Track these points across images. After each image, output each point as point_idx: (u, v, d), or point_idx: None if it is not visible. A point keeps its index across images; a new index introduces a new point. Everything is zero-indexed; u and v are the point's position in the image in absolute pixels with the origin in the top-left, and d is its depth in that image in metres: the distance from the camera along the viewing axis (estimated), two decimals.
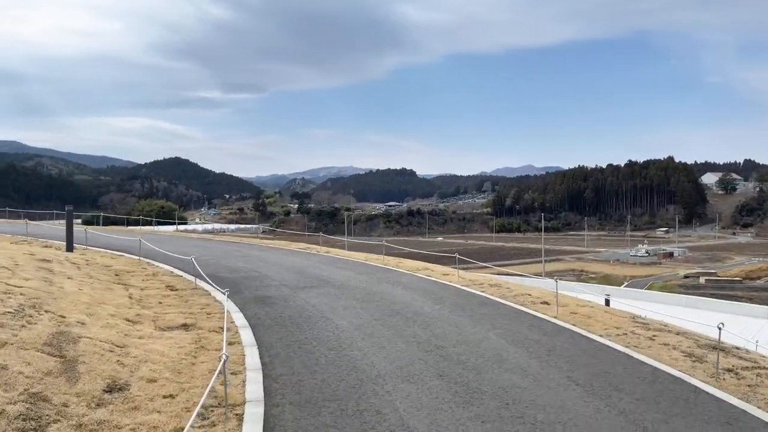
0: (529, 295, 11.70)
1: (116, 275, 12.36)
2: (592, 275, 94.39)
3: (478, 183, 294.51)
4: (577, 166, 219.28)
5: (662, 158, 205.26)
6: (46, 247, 16.48)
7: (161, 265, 14.54)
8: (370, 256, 17.89)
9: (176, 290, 11.37)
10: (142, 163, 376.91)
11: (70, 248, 15.50)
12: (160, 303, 10.19)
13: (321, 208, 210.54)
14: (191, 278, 12.67)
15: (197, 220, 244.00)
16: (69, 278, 10.32)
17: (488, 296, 11.65)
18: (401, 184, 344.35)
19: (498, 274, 23.11)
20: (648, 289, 74.91)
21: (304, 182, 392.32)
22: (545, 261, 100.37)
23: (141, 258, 15.25)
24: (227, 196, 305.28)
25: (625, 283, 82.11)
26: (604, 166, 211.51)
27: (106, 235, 21.71)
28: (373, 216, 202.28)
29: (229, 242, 21.43)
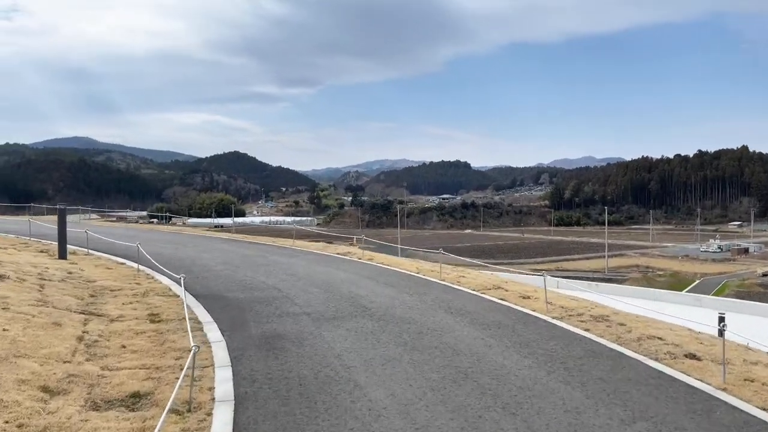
0: (660, 339, 7.80)
1: (91, 296, 9.32)
2: (660, 272, 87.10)
3: (535, 175, 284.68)
4: (640, 157, 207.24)
5: (735, 148, 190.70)
6: (41, 252, 13.80)
7: (161, 278, 11.49)
8: (423, 266, 14.33)
9: (158, 322, 8.19)
10: (203, 157, 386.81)
11: (62, 254, 12.71)
12: (124, 347, 7.01)
13: (374, 200, 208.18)
14: (189, 300, 9.54)
15: (255, 213, 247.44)
16: (2, 308, 7.31)
17: (597, 339, 7.84)
18: (455, 177, 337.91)
19: (563, 276, 19.00)
20: (721, 288, 67.46)
21: (358, 175, 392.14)
22: (608, 256, 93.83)
23: (140, 268, 12.29)
24: (283, 189, 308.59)
25: (696, 281, 74.92)
26: (671, 157, 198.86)
27: (127, 233, 19.14)
28: (427, 209, 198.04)
29: (259, 244, 18.35)
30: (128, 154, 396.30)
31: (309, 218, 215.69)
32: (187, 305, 8.90)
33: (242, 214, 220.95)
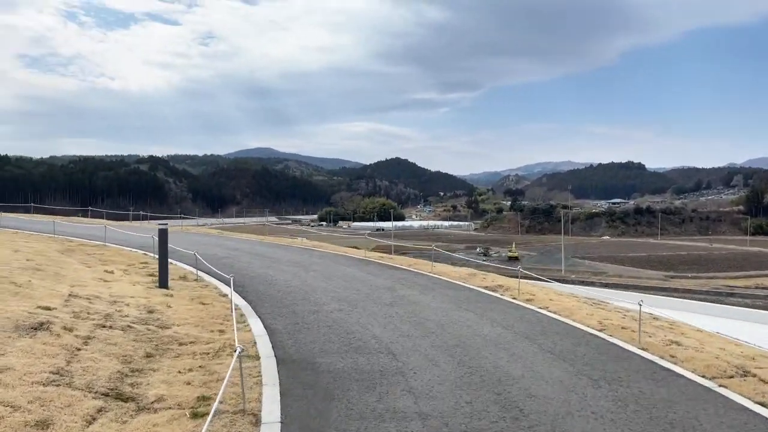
0: None
1: (146, 356, 6.92)
2: None
3: (725, 176, 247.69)
4: None
5: None
6: (149, 276, 12.19)
7: (253, 323, 8.89)
8: (609, 318, 9.85)
9: (201, 416, 5.44)
10: (368, 163, 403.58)
11: (163, 282, 10.87)
12: None
13: (535, 205, 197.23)
14: (266, 368, 6.76)
15: (413, 217, 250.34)
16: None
17: None
18: (627, 179, 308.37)
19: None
20: None
21: (518, 179, 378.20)
22: None
23: (236, 303, 9.90)
24: (441, 193, 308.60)
25: None
26: None
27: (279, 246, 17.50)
28: (594, 214, 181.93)
29: (395, 269, 15.24)
30: (303, 162, 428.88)
31: (466, 223, 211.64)
32: (260, 380, 6.05)
33: (401, 219, 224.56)
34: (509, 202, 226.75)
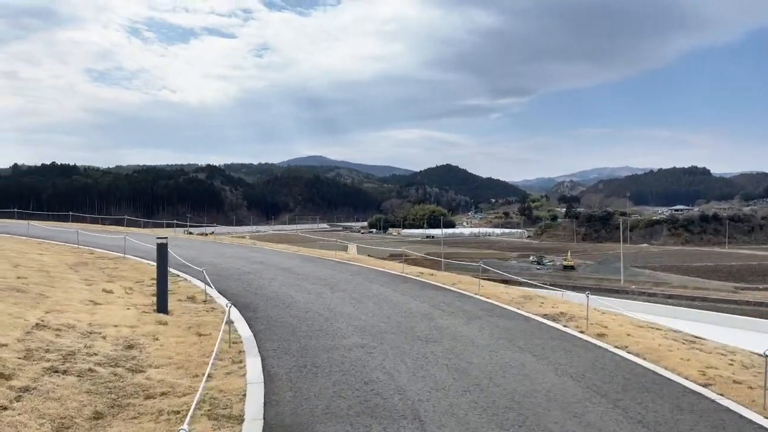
0: None
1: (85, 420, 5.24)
2: None
3: None
4: None
5: None
6: (153, 297, 10.68)
7: (253, 365, 7.11)
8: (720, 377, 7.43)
9: None
10: (418, 170, 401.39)
11: (162, 307, 9.26)
12: None
13: (591, 212, 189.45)
14: None
15: (464, 224, 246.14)
16: None
17: None
18: (690, 185, 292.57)
19: None
20: None
21: (573, 185, 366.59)
22: None
23: (237, 334, 8.15)
24: (493, 200, 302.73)
25: None
26: None
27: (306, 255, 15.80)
28: (654, 221, 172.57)
29: (438, 288, 13.11)
30: (353, 169, 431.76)
31: (519, 230, 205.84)
32: None
33: (452, 226, 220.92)
34: (564, 209, 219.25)
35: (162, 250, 9.43)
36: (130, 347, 7.33)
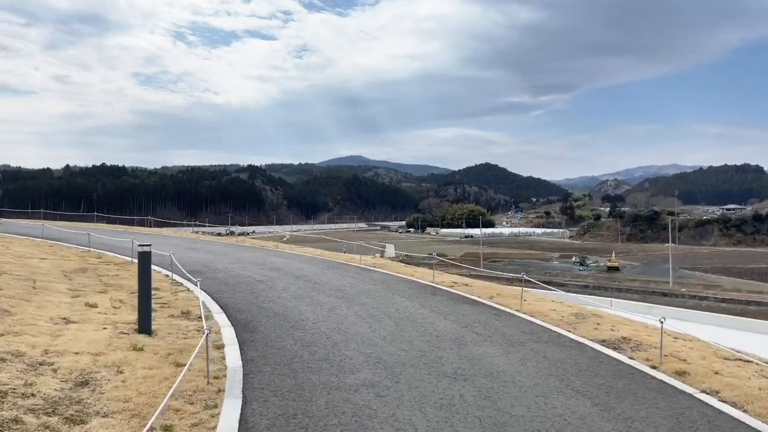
0: None
1: None
2: None
3: None
4: None
5: None
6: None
7: (228, 417, 5.55)
8: None
9: None
10: (456, 169, 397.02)
11: (144, 326, 7.82)
12: None
13: (637, 212, 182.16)
14: None
15: (504, 223, 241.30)
16: None
17: None
18: (743, 183, 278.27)
19: None
20: None
21: (617, 183, 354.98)
22: None
23: (222, 370, 6.62)
24: (534, 199, 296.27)
25: None
26: None
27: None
28: (705, 221, 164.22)
29: (476, 304, 11.18)
30: (392, 169, 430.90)
31: (560, 230, 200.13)
32: None
33: (491, 225, 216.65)
34: (608, 209, 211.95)
35: (144, 260, 7.99)
36: (83, 384, 5.87)
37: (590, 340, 8.33)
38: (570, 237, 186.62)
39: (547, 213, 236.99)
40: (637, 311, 24.40)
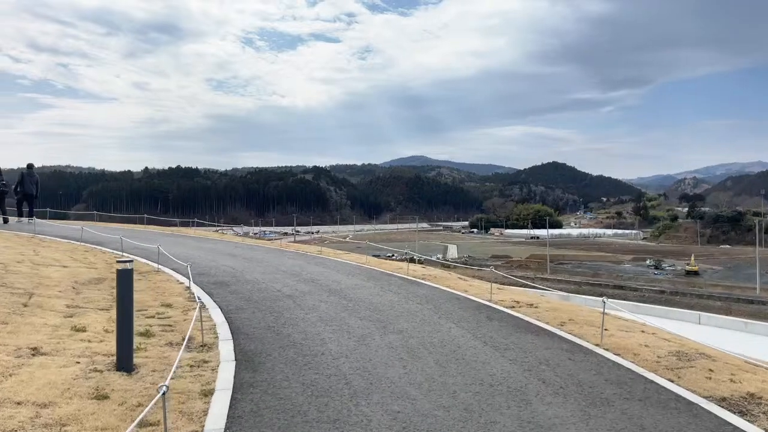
0: None
1: None
2: None
3: None
4: None
5: None
6: (139, 337, 7.88)
7: None
8: None
9: None
10: (522, 168, 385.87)
11: (124, 362, 6.29)
12: None
13: (718, 212, 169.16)
14: None
15: (572, 224, 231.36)
16: None
17: None
18: None
19: None
20: None
21: (696, 182, 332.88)
22: None
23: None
24: (604, 199, 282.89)
25: None
26: None
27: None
28: None
29: (530, 329, 9.02)
30: (455, 169, 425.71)
31: (633, 231, 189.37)
32: None
33: (558, 226, 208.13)
34: (685, 209, 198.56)
35: (124, 280, 6.44)
36: None
37: (705, 397, 6.01)
38: (644, 238, 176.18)
39: (619, 213, 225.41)
40: (734, 328, 21.02)
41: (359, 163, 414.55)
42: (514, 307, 10.34)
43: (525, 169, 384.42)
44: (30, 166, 21.31)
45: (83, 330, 7.63)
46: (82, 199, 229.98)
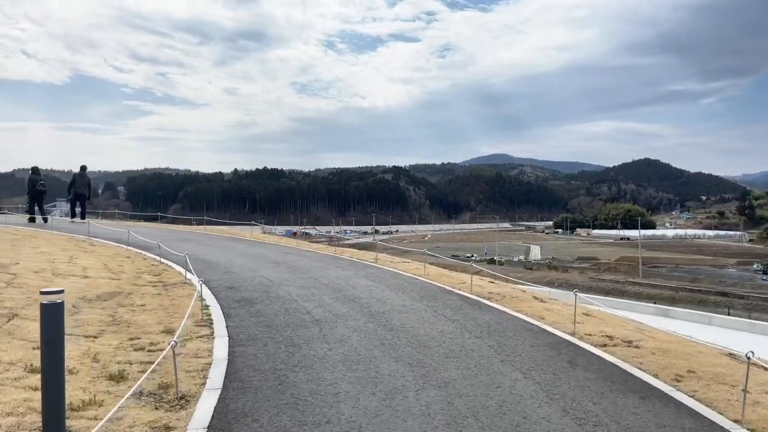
0: None
1: None
2: None
3: None
4: None
5: None
6: (119, 384, 6.22)
7: None
8: None
9: None
10: (610, 166, 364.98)
11: None
12: None
13: None
14: None
15: (667, 225, 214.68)
16: None
17: None
18: None
19: None
20: None
21: None
22: None
23: None
24: (704, 197, 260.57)
25: None
26: None
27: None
28: None
29: (626, 378, 6.43)
30: (538, 167, 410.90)
31: (737, 233, 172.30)
32: None
33: (652, 227, 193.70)
34: None
35: (50, 322, 4.65)
36: None
37: None
38: (749, 240, 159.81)
39: (721, 213, 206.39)
40: None
41: (438, 162, 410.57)
42: (606, 345, 7.71)
43: (614, 166, 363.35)
44: (83, 168, 21.10)
45: (36, 371, 6.05)
46: (179, 200, 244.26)
